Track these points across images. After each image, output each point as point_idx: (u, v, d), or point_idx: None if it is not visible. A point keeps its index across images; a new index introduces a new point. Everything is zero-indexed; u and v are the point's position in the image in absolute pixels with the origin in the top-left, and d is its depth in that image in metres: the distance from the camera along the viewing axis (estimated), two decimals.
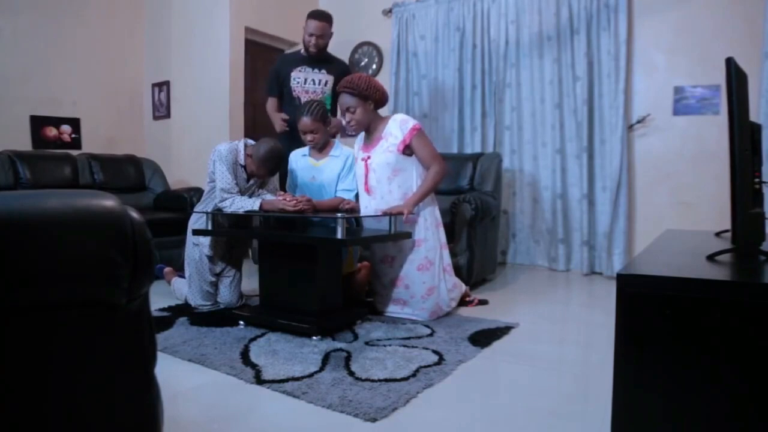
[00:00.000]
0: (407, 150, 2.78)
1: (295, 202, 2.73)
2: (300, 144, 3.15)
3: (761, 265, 1.20)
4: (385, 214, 2.66)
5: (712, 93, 3.80)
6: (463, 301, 3.11)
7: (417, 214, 2.80)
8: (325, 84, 3.59)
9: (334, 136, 3.31)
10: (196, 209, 3.07)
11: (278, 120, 3.59)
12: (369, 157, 2.84)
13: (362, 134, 2.96)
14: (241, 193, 2.86)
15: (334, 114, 3.63)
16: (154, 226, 2.60)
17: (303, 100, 3.53)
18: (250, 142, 2.93)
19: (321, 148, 3.05)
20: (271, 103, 3.71)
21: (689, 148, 3.90)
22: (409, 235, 2.75)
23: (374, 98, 2.79)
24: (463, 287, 3.12)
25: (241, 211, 2.76)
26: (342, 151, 3.07)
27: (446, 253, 2.92)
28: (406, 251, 2.83)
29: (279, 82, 3.64)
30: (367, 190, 2.87)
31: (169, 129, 5.02)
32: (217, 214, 2.85)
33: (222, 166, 2.79)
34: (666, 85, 3.95)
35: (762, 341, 0.94)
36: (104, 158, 4.42)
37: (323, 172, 3.04)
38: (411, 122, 2.80)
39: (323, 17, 3.54)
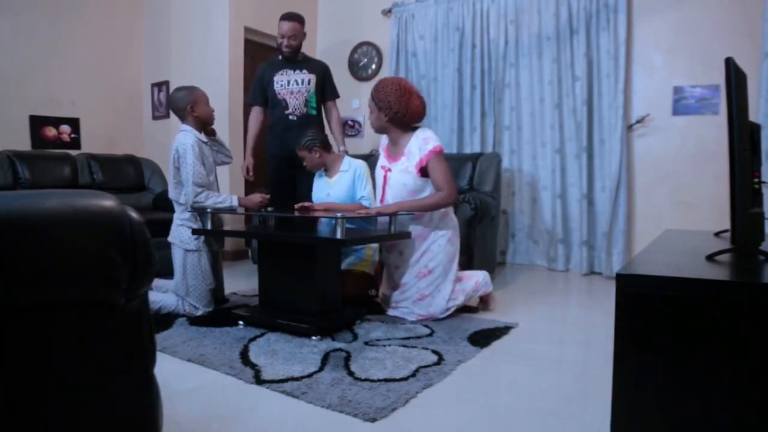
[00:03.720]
0: (424, 171, 2.74)
1: (261, 198, 2.96)
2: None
3: (761, 265, 1.19)
4: (366, 215, 2.69)
5: (712, 93, 3.80)
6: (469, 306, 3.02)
7: (407, 218, 2.77)
8: (308, 83, 3.62)
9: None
10: (177, 218, 3.04)
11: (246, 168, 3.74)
12: (390, 170, 2.84)
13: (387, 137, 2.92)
14: (215, 162, 2.98)
15: (319, 111, 3.73)
16: (154, 226, 2.57)
17: (289, 101, 3.59)
18: (183, 126, 3.00)
19: (329, 166, 3.21)
20: (254, 113, 3.74)
21: (689, 148, 3.90)
22: (408, 235, 2.75)
23: (387, 114, 2.76)
24: (486, 288, 2.99)
25: (235, 210, 2.85)
26: (351, 164, 3.18)
27: (454, 266, 2.84)
28: (412, 259, 2.81)
29: (263, 88, 3.67)
30: (382, 202, 2.87)
31: (168, 129, 5.01)
32: (214, 213, 2.86)
33: (196, 159, 2.81)
34: (665, 85, 3.95)
35: (762, 341, 0.94)
36: (103, 158, 4.42)
37: (335, 188, 3.19)
38: (432, 143, 2.74)
39: (294, 18, 3.56)
